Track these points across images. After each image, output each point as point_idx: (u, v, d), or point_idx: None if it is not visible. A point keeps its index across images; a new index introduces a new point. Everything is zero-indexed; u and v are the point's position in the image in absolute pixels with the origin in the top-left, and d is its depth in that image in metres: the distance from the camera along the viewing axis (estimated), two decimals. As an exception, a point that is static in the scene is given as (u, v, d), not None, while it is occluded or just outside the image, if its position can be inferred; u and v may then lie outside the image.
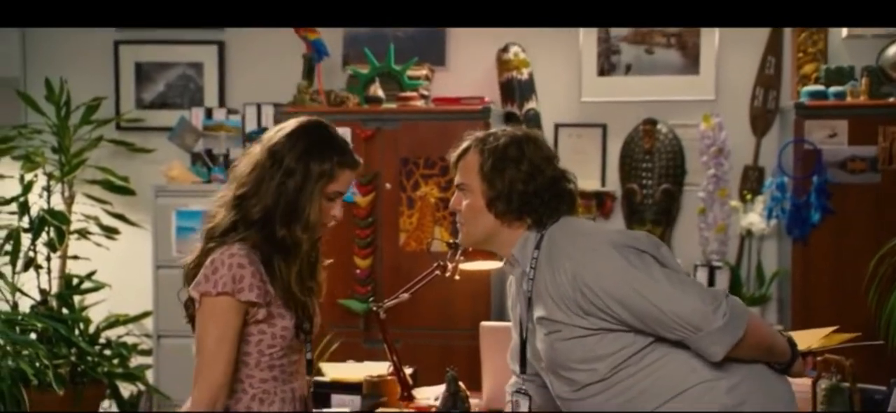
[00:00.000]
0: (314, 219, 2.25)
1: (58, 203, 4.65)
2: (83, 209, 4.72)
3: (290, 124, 2.30)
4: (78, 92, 4.74)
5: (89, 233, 4.69)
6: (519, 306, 2.38)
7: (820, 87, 4.32)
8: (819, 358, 2.96)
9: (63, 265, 4.65)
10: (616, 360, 2.21)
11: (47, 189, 4.63)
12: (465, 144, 2.38)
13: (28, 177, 4.54)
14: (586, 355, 2.21)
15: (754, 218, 4.49)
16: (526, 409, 2.38)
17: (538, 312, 2.27)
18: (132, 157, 4.84)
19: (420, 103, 4.51)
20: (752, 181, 4.63)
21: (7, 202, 4.50)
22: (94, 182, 4.71)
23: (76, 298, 4.69)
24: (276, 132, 2.29)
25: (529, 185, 2.29)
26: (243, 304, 2.21)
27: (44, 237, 4.56)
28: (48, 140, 4.66)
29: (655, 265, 2.19)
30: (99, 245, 4.69)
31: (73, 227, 4.65)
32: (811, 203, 4.22)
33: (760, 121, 4.66)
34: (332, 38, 4.74)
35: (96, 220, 4.71)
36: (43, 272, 4.61)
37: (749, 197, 4.56)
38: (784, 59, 4.63)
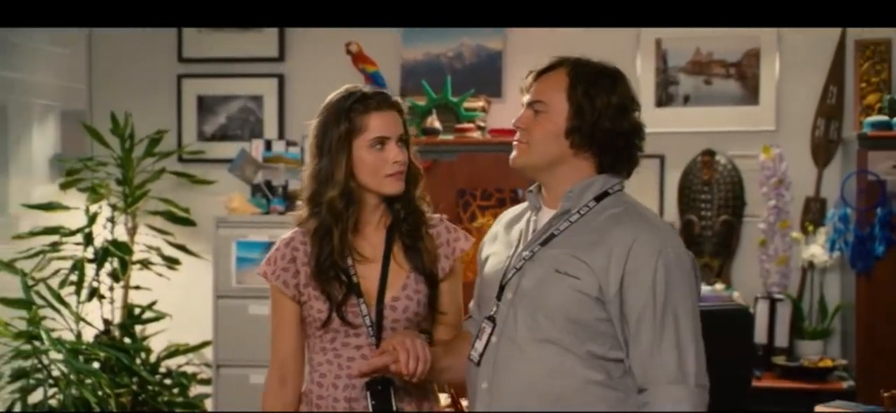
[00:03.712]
0: (342, 177, 2.28)
1: (121, 234, 4.73)
2: (146, 240, 4.79)
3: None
4: (142, 125, 4.84)
5: (151, 263, 4.76)
6: (519, 243, 2.23)
7: (883, 118, 4.24)
8: (886, 394, 2.91)
9: (126, 295, 4.73)
10: (594, 348, 2.08)
11: (111, 220, 4.71)
12: (550, 61, 2.22)
13: (93, 208, 4.62)
14: (576, 320, 2.08)
15: (816, 250, 4.42)
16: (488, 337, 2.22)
17: (562, 250, 2.12)
18: (193, 189, 4.91)
19: (477, 135, 4.52)
20: (813, 213, 4.56)
21: (73, 233, 4.59)
22: (156, 213, 4.79)
23: (137, 328, 4.76)
24: None
25: (616, 122, 2.14)
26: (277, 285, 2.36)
27: (107, 267, 4.64)
28: (113, 172, 4.75)
29: (697, 317, 2.12)
30: (160, 275, 4.76)
31: (136, 257, 4.73)
32: (875, 235, 4.14)
33: (822, 152, 4.59)
34: (390, 70, 4.78)
35: (158, 250, 4.78)
36: (106, 302, 4.68)
37: (811, 229, 4.50)
38: (846, 88, 4.56)
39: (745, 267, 4.62)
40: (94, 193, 4.64)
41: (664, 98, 4.72)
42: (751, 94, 4.66)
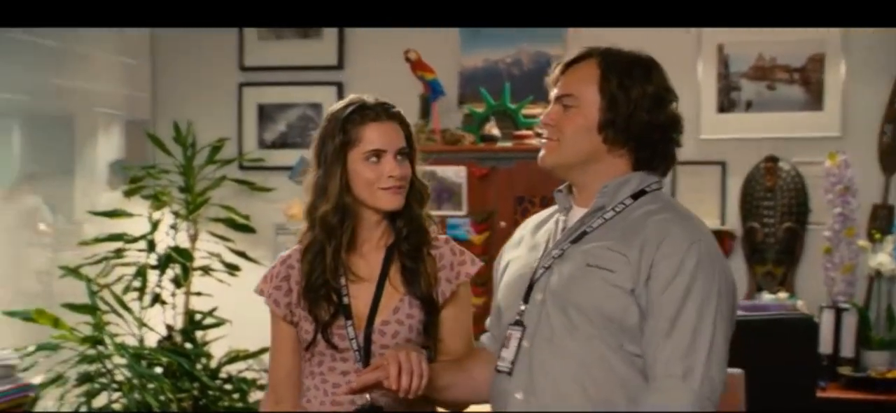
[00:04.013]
0: (336, 190, 2.18)
1: (183, 241, 4.79)
2: (207, 246, 4.84)
3: None
4: (203, 133, 4.90)
5: (212, 269, 4.81)
6: (547, 243, 2.10)
7: (953, 123, 4.15)
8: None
9: (187, 301, 4.78)
10: (633, 348, 1.93)
11: (174, 227, 4.77)
12: (578, 52, 2.09)
13: (156, 215, 4.68)
14: (610, 316, 1.94)
15: (884, 258, 4.32)
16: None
17: (595, 244, 1.99)
18: (254, 196, 4.96)
19: (535, 142, 4.49)
20: (881, 220, 4.46)
21: (136, 240, 4.66)
22: (217, 220, 4.84)
23: (198, 333, 4.81)
24: None
25: (653, 114, 2.03)
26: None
27: (169, 273, 4.70)
28: (175, 180, 4.81)
29: (723, 322, 1.96)
30: (221, 281, 4.80)
31: (197, 264, 4.78)
32: (945, 243, 4.05)
33: (889, 158, 4.49)
34: (449, 77, 4.78)
35: (219, 257, 4.83)
36: (168, 307, 4.74)
37: (878, 236, 4.40)
38: (914, 93, 4.46)
39: (810, 275, 4.53)
40: (157, 201, 4.70)
41: (726, 104, 4.65)
42: (815, 100, 4.58)
